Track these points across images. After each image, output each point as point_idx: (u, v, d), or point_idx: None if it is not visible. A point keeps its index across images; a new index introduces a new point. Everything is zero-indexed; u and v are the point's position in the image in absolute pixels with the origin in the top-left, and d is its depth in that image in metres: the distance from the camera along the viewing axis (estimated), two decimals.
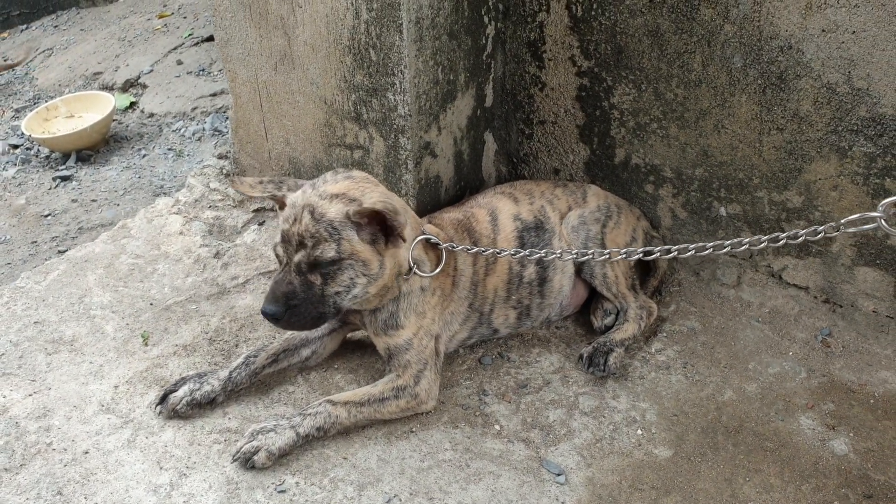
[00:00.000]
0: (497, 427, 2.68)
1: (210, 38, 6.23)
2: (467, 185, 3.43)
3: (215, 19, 3.35)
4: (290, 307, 2.46)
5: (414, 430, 2.67)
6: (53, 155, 5.20)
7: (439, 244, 2.69)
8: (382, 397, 2.64)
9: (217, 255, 3.41)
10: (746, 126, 2.89)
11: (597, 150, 3.29)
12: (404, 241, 2.54)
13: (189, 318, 3.10)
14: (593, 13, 3.03)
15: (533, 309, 2.98)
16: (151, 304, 3.17)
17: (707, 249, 2.43)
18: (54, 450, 2.60)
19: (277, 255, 2.54)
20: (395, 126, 3.04)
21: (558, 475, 2.51)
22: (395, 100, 2.98)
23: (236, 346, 2.99)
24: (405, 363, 2.69)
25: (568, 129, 3.32)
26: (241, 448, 2.52)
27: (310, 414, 2.58)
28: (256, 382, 2.81)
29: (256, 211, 3.65)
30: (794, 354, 2.91)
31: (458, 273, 2.81)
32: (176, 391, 2.71)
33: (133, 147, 5.24)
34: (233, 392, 2.76)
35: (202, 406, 2.71)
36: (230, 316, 3.11)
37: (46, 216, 4.42)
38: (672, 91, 2.99)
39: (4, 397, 2.77)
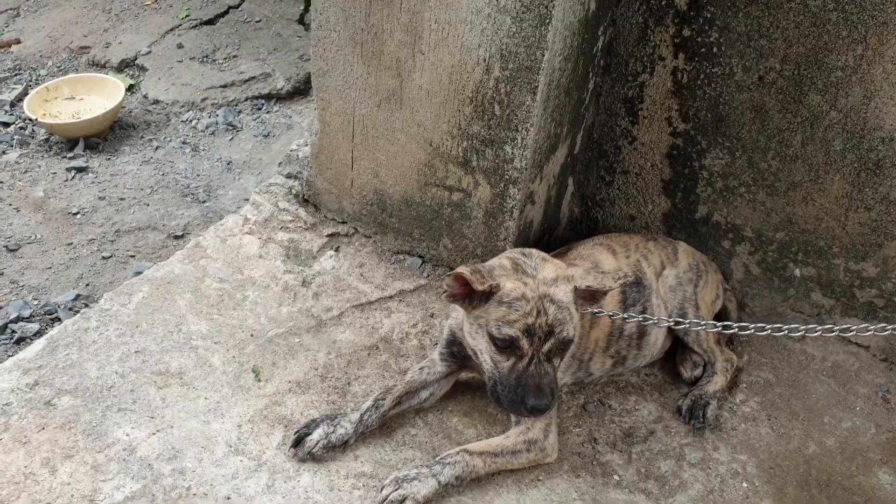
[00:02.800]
0: (616, 477, 2.86)
1: (210, 22, 6.05)
2: (549, 227, 3.56)
3: (315, 49, 3.32)
4: (552, 395, 2.58)
5: (540, 478, 2.82)
6: (53, 139, 4.97)
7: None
8: (515, 449, 2.77)
9: (304, 284, 3.42)
10: (835, 202, 3.16)
11: (679, 203, 3.48)
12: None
13: (295, 353, 3.11)
14: (699, 83, 3.21)
15: (629, 359, 3.17)
16: (252, 336, 3.16)
17: (800, 332, 2.65)
18: (195, 495, 2.59)
19: (516, 349, 2.57)
20: (507, 176, 3.13)
21: None
22: (512, 153, 3.07)
23: (348, 384, 3.04)
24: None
25: (652, 181, 3.50)
26: (387, 496, 2.59)
27: (449, 463, 2.68)
28: (381, 424, 2.88)
29: (330, 235, 3.66)
30: (860, 409, 3.22)
31: None
32: (310, 434, 2.74)
33: (142, 136, 5.07)
34: (362, 434, 2.82)
35: (335, 448, 2.76)
36: (335, 351, 3.15)
37: (75, 214, 4.26)
38: (767, 162, 3.21)
39: (128, 435, 2.73)
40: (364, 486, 2.69)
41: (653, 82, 3.31)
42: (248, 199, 3.95)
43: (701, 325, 2.88)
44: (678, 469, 2.91)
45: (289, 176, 3.82)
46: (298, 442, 2.74)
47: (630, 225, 3.64)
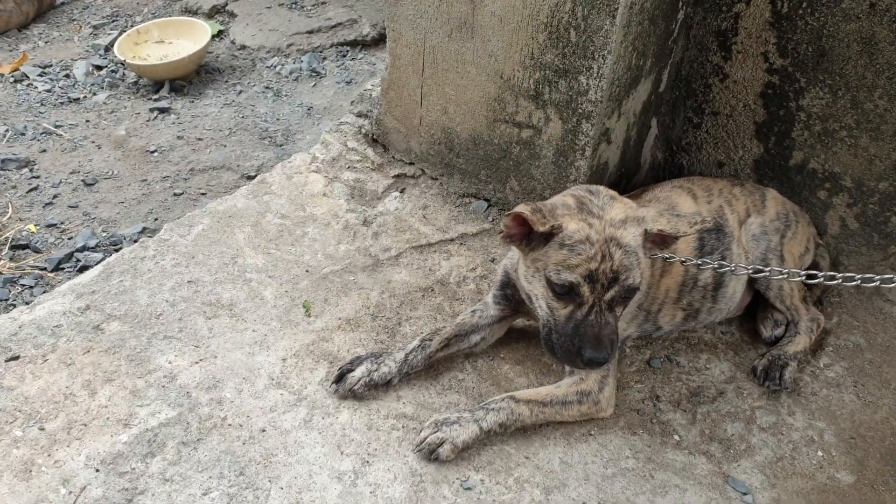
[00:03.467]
0: (676, 437, 2.64)
1: None
2: (627, 171, 3.33)
3: None
4: (612, 347, 2.38)
5: (592, 433, 2.64)
6: (142, 81, 5.04)
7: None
8: (566, 400, 2.60)
9: (366, 223, 3.31)
10: None
11: (772, 149, 3.18)
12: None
13: (348, 290, 3.02)
14: (801, 12, 2.89)
15: (702, 312, 2.92)
16: (307, 272, 3.08)
17: (875, 282, 2.36)
18: (230, 425, 2.55)
19: (576, 296, 2.36)
20: (580, 110, 2.92)
21: (745, 494, 2.49)
22: (587, 84, 2.86)
23: (399, 324, 2.93)
24: None
25: (743, 124, 3.21)
26: (425, 438, 2.48)
27: (493, 409, 2.53)
28: (427, 366, 2.76)
29: (397, 177, 3.54)
30: None
31: None
32: (353, 371, 2.65)
33: (227, 81, 5.08)
34: (407, 375, 2.71)
35: (377, 387, 2.66)
36: (389, 291, 3.04)
37: (153, 152, 4.29)
38: (873, 101, 2.88)
39: (171, 363, 2.71)
40: (403, 427, 2.58)
41: (749, 12, 3.01)
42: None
43: (783, 274, 2.59)
44: (746, 433, 2.67)
45: (359, 115, 3.71)
46: (340, 378, 2.65)
47: (718, 172, 3.35)
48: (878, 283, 2.39)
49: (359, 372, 2.64)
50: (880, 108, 2.88)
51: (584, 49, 2.81)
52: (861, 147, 2.97)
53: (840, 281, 2.44)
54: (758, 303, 3.04)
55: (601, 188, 2.52)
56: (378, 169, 3.57)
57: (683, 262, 2.60)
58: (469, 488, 2.43)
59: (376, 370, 2.65)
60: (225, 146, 4.37)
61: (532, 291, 2.51)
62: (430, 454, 2.47)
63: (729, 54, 3.12)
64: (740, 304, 3.02)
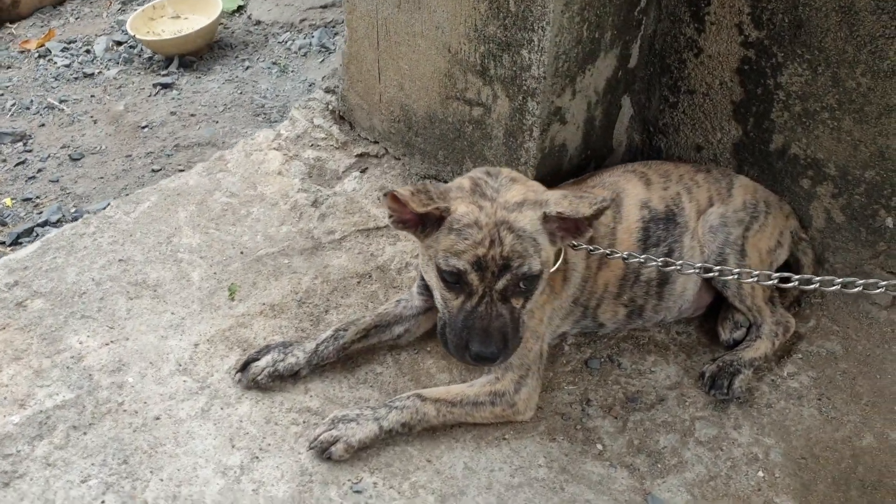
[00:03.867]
0: (599, 446, 2.40)
1: None
2: (594, 154, 3.06)
3: None
4: (504, 342, 2.17)
5: (507, 436, 2.43)
6: (156, 57, 5.02)
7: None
8: (477, 401, 2.39)
9: (315, 204, 3.16)
10: None
11: (751, 131, 2.86)
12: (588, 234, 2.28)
13: (280, 274, 2.89)
14: None
15: (647, 310, 2.66)
16: (242, 253, 2.96)
17: (879, 287, 2.04)
18: (125, 411, 2.45)
19: (465, 285, 2.17)
20: (524, 87, 2.68)
21: None
22: (529, 58, 2.62)
23: (326, 311, 2.77)
24: (506, 365, 2.41)
25: (720, 103, 2.89)
26: (318, 436, 2.32)
27: (396, 407, 2.35)
28: (344, 358, 2.60)
29: (360, 156, 3.37)
30: None
31: (569, 268, 2.50)
32: (258, 360, 2.51)
33: (237, 56, 5.00)
34: (318, 366, 2.55)
35: (284, 379, 2.52)
36: (323, 276, 2.89)
37: (144, 127, 4.26)
38: (855, 79, 2.53)
39: (81, 343, 2.64)
40: (304, 422, 2.43)
41: None
42: None
43: (733, 275, 2.31)
44: (680, 446, 2.40)
45: (327, 91, 3.55)
46: (245, 367, 2.52)
47: (696, 157, 3.05)
48: (861, 288, 2.09)
49: (264, 361, 2.51)
50: (863, 87, 2.53)
51: (523, 20, 2.57)
52: (844, 130, 2.63)
53: (818, 285, 2.15)
54: (722, 301, 2.74)
55: (504, 170, 2.29)
56: (342, 147, 3.42)
57: (609, 255, 2.36)
58: (359, 491, 2.27)
59: (282, 360, 2.51)
60: (217, 122, 4.30)
61: (429, 282, 2.32)
62: (323, 452, 2.32)
63: (702, 26, 2.81)
64: (697, 303, 2.73)
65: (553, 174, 2.90)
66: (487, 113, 2.86)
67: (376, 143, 3.37)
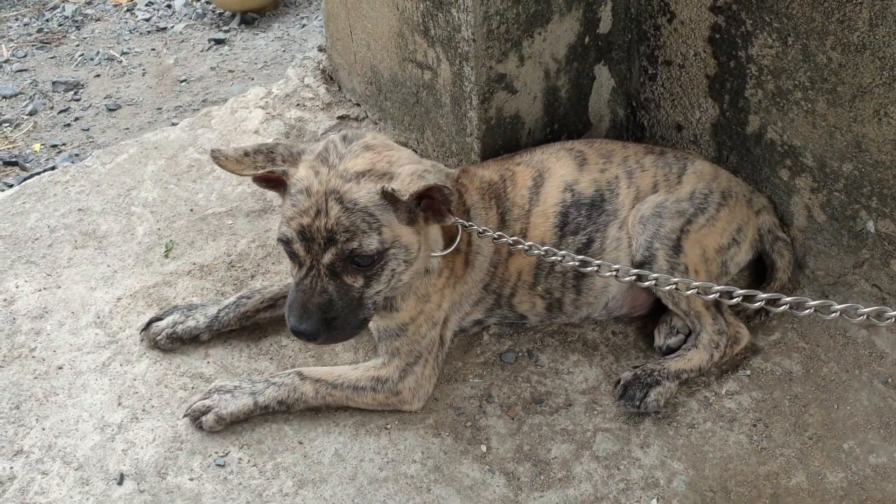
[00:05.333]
0: (484, 448, 2.19)
1: None
2: (564, 128, 2.79)
3: None
4: (327, 321, 1.98)
5: (389, 426, 2.26)
6: (226, 14, 5.08)
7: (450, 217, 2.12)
8: (358, 385, 2.24)
9: None
10: None
11: (727, 111, 2.50)
12: (453, 215, 2.04)
13: (219, 235, 2.84)
14: None
15: (566, 304, 2.39)
16: (192, 211, 2.94)
17: (833, 312, 1.69)
18: (34, 357, 2.49)
19: (294, 255, 2.01)
20: (459, 51, 2.47)
21: None
22: (458, 18, 2.40)
23: (252, 276, 2.70)
24: (392, 350, 2.25)
25: (696, 77, 2.55)
26: (192, 404, 2.26)
27: (274, 383, 2.25)
28: (251, 326, 2.51)
29: (341, 118, 3.25)
30: None
31: (472, 251, 2.28)
32: (161, 320, 2.47)
33: (298, 14, 4.99)
34: (220, 332, 2.48)
35: (184, 341, 2.46)
36: (260, 241, 2.81)
37: (182, 81, 4.33)
38: (825, 53, 2.14)
39: (17, 288, 2.70)
40: (193, 388, 2.38)
41: None
42: None
43: (651, 279, 1.98)
44: (573, 458, 2.15)
45: (321, 49, 3.44)
46: (148, 326, 2.49)
47: (677, 137, 2.71)
48: (812, 310, 1.74)
49: (164, 322, 2.46)
50: (834, 63, 2.13)
51: None
52: (819, 114, 2.23)
53: (762, 303, 1.81)
54: None
55: (368, 135, 2.07)
56: (326, 108, 3.30)
57: (496, 239, 2.09)
58: (221, 465, 2.19)
59: (182, 323, 2.45)
60: (252, 79, 4.30)
61: None
62: (194, 421, 2.25)
63: None
64: (634, 303, 2.43)
65: (507, 148, 2.66)
66: (436, 77, 2.67)
67: (357, 105, 3.24)
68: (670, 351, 2.34)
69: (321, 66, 3.41)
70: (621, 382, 2.25)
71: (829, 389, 2.26)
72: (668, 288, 1.93)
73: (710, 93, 2.52)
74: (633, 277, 1.98)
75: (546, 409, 2.28)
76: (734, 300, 1.83)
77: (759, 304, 1.79)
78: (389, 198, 1.94)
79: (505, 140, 2.66)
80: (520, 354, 2.43)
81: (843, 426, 2.18)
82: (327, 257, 1.94)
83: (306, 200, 1.94)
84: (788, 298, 1.76)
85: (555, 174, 2.34)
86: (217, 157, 2.01)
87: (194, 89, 4.24)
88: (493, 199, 2.30)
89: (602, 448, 2.17)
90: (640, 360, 2.38)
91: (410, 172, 1.93)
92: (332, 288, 1.97)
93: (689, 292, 1.92)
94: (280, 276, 2.69)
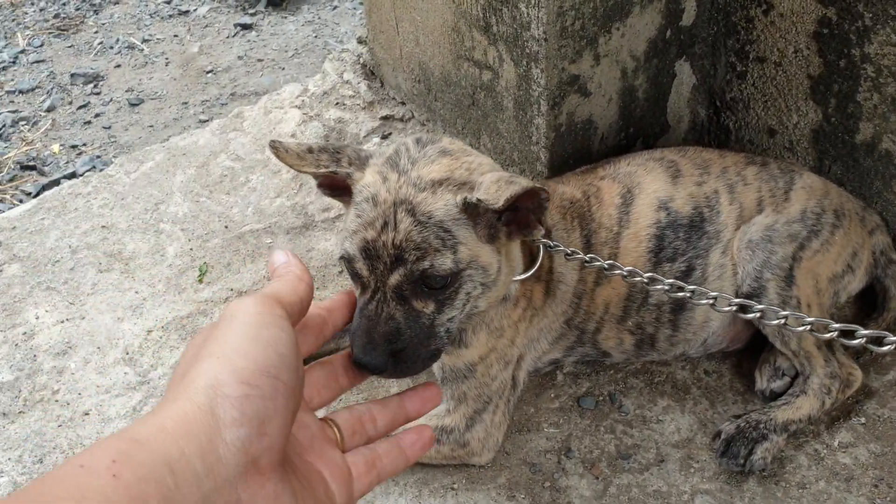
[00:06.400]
0: None
1: None
2: (640, 132, 2.48)
3: None
4: (395, 352, 1.64)
5: (456, 486, 2.00)
6: None
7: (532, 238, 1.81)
8: None
9: None
10: None
11: (832, 116, 2.19)
12: (543, 226, 1.72)
13: (257, 256, 2.57)
14: None
15: (659, 340, 2.11)
16: (226, 228, 2.67)
17: None
18: (57, 401, 2.25)
19: (357, 276, 1.65)
20: (527, 50, 2.17)
21: None
22: (528, 14, 2.10)
23: None
24: (459, 395, 1.98)
25: (795, 76, 2.23)
26: None
27: None
28: None
29: (385, 118, 2.95)
30: None
31: (554, 278, 1.98)
32: None
33: None
34: None
35: None
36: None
37: (208, 72, 4.04)
38: None
39: (38, 318, 2.46)
40: None
41: None
42: None
43: (756, 310, 1.67)
44: None
45: (360, 41, 3.14)
46: None
47: (770, 143, 2.40)
48: None
49: None
50: None
51: None
52: None
53: (885, 346, 1.50)
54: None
55: (445, 139, 1.74)
56: (367, 108, 3.01)
57: (587, 262, 1.78)
58: None
59: None
60: (283, 69, 4.01)
61: None
62: None
63: None
64: (732, 335, 2.14)
65: (577, 157, 2.37)
66: (496, 78, 2.37)
67: (403, 104, 2.95)
68: (774, 396, 2.06)
69: (361, 61, 3.11)
70: (722, 436, 1.97)
71: None
72: (775, 323, 1.62)
73: (813, 95, 2.21)
74: (735, 308, 1.67)
75: (635, 465, 2.01)
76: (857, 341, 1.52)
77: (889, 346, 1.48)
78: (471, 211, 1.63)
79: (575, 148, 2.36)
80: (600, 399, 2.15)
81: None
82: (394, 279, 1.61)
83: (372, 211, 1.62)
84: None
85: (646, 189, 2.04)
86: (277, 150, 1.69)
87: (221, 81, 3.95)
88: (575, 220, 2.00)
89: None
90: (739, 406, 2.10)
91: (495, 179, 1.61)
92: (399, 314, 1.64)
93: (800, 329, 1.62)
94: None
